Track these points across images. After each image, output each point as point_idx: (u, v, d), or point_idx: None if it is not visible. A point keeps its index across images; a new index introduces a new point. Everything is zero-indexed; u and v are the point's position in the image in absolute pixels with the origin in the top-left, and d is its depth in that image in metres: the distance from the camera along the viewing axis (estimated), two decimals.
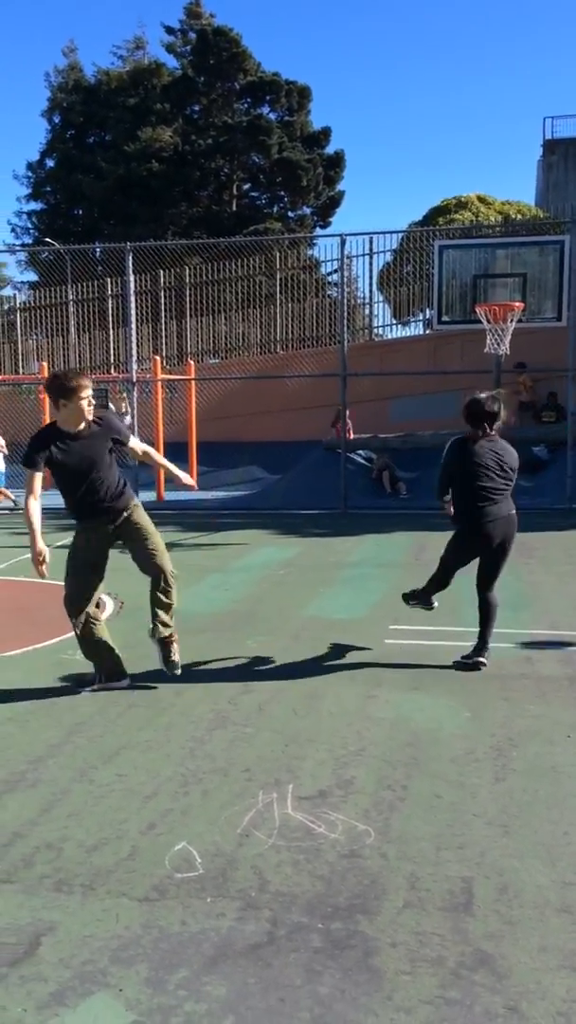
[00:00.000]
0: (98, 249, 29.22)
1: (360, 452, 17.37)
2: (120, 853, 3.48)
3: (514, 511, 5.91)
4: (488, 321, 12.15)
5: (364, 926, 2.96)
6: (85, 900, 3.15)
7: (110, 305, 24.62)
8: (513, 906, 3.07)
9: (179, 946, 2.87)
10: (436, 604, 6.41)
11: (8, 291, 39.99)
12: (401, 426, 18.59)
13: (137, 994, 2.63)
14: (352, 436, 17.34)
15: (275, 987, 2.65)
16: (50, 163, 43.33)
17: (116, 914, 3.06)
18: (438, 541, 10.97)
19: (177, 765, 4.34)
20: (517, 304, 12.29)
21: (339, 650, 6.36)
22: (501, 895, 3.14)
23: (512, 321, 12.06)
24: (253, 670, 5.91)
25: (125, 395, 9.90)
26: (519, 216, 26.69)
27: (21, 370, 24.49)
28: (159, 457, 6.00)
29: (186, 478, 6.02)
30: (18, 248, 43.22)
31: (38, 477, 5.24)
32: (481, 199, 29.17)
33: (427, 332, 22.14)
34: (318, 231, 41.72)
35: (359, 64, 70.77)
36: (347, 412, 15.49)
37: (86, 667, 6.02)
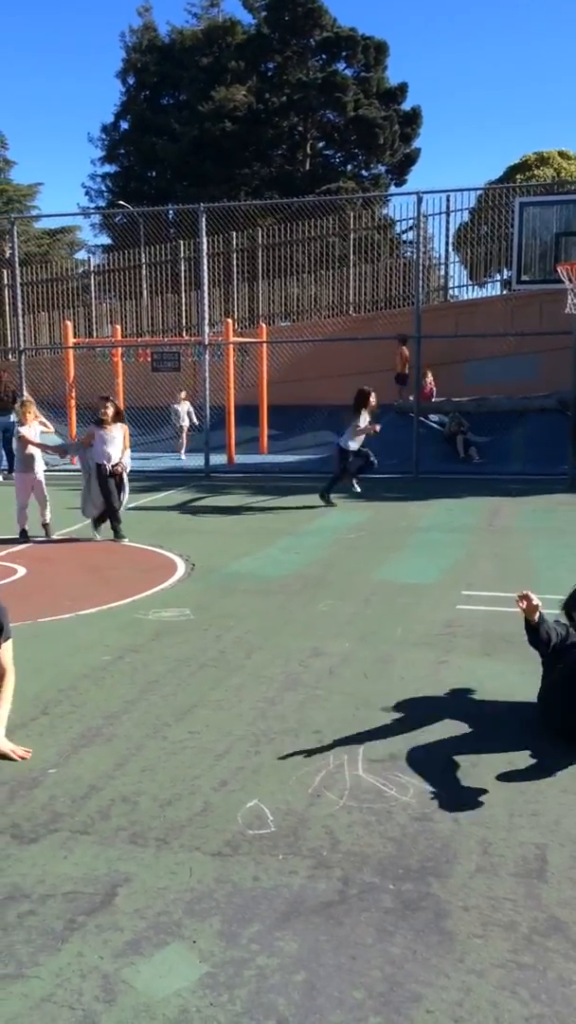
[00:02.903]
0: (171, 211, 29.22)
1: (433, 416, 17.14)
2: (193, 808, 3.53)
3: None
4: (569, 281, 11.82)
5: (436, 889, 2.96)
6: (159, 853, 3.21)
7: (183, 268, 24.63)
8: None
9: (251, 901, 2.90)
10: None
11: (82, 255, 40.33)
12: (476, 389, 18.29)
13: (211, 946, 2.68)
14: (434, 398, 17.14)
15: (346, 945, 2.67)
16: (124, 125, 43.38)
17: (190, 867, 3.11)
18: (511, 507, 10.86)
19: (248, 725, 4.38)
20: None
21: (410, 615, 6.33)
22: None
23: None
24: (323, 633, 5.92)
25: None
26: None
27: (95, 333, 24.74)
28: None
29: None
30: (92, 211, 43.52)
31: None
32: (563, 155, 28.30)
33: (504, 293, 21.66)
34: (393, 189, 41.05)
35: (437, 18, 68.82)
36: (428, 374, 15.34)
37: (160, 626, 6.12)
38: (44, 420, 10.52)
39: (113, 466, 9.26)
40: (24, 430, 9.64)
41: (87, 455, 9.51)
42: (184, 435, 18.32)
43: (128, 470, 9.54)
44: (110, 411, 9.42)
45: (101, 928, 2.78)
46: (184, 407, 18.39)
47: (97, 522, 9.50)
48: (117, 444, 9.36)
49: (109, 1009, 2.41)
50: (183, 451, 18.13)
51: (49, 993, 2.48)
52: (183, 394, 18.40)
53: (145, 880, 3.04)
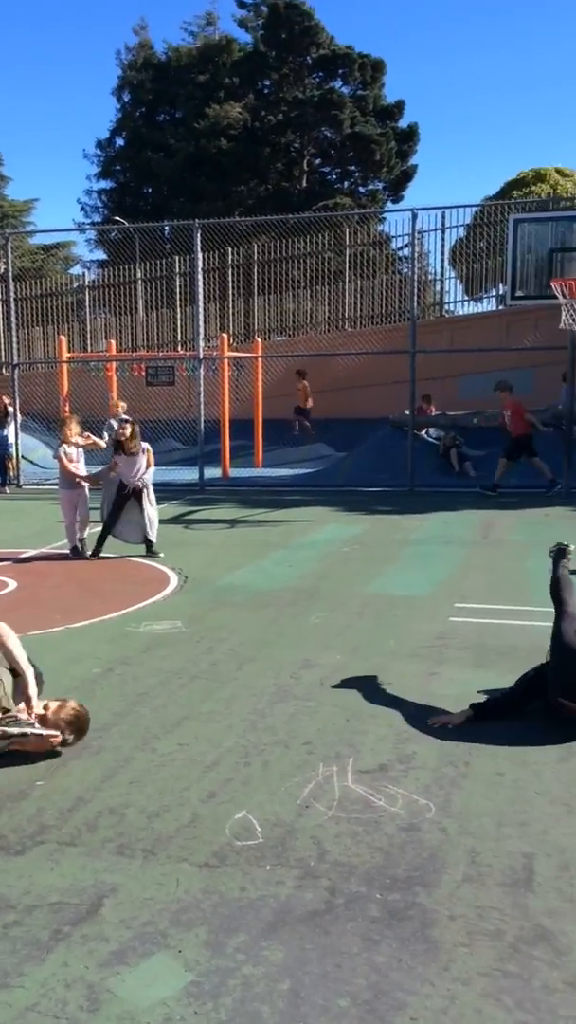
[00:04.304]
0: (167, 227, 29.36)
1: (428, 430, 17.18)
2: (181, 820, 3.52)
3: None
4: (564, 296, 11.87)
5: (422, 898, 2.96)
6: (146, 864, 3.20)
7: (178, 283, 24.73)
8: (575, 883, 3.03)
9: (238, 911, 2.90)
10: None
11: (77, 270, 40.45)
12: (470, 404, 18.35)
13: (196, 956, 2.67)
14: (433, 413, 17.23)
15: (332, 954, 2.66)
16: (120, 141, 43.58)
17: (176, 879, 3.10)
18: (505, 520, 10.87)
19: (238, 736, 4.37)
20: None
21: (403, 627, 6.33)
22: (563, 872, 3.10)
23: None
24: (315, 645, 5.92)
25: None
26: None
27: (90, 348, 24.80)
28: None
29: None
30: (87, 227, 43.69)
31: None
32: (560, 172, 28.50)
33: (500, 308, 21.76)
34: (389, 206, 41.27)
35: (435, 36, 69.22)
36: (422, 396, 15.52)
37: (151, 638, 6.11)
38: (93, 437, 10.03)
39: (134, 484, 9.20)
40: (62, 450, 9.41)
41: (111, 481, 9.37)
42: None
43: (147, 486, 9.32)
44: (128, 432, 9.25)
45: (87, 938, 2.77)
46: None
47: (101, 541, 9.28)
48: (141, 466, 9.26)
49: (93, 1018, 2.40)
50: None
51: (33, 1003, 2.47)
52: (124, 406, 17.81)
53: (131, 891, 3.03)
